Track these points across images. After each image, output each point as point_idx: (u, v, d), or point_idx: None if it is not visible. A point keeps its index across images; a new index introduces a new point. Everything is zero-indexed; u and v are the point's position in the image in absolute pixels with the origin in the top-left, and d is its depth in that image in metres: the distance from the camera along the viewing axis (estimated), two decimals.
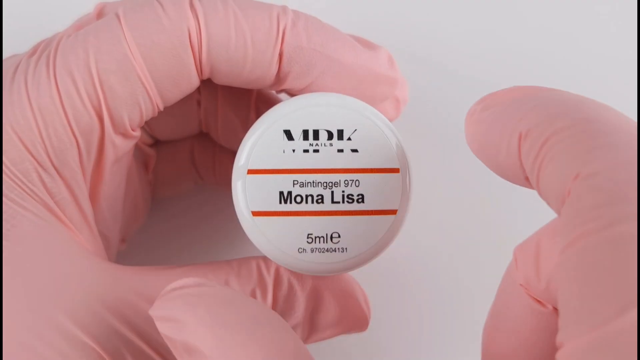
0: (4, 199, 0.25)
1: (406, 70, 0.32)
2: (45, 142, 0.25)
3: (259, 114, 0.28)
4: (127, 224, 0.31)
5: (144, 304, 0.25)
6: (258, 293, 0.26)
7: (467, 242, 0.33)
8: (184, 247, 0.34)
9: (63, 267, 0.25)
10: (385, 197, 0.26)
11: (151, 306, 0.24)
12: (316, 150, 0.26)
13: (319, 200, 0.26)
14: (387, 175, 0.26)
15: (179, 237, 0.34)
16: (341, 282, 0.28)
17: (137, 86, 0.25)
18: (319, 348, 0.33)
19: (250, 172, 0.26)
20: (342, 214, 0.26)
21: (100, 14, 0.28)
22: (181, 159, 0.33)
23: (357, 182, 0.26)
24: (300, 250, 0.26)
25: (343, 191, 0.26)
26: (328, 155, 0.26)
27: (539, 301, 0.22)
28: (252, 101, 0.30)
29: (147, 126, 0.31)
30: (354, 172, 0.26)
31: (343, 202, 0.26)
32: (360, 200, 0.26)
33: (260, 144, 0.26)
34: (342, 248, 0.26)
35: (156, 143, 0.32)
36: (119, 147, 0.26)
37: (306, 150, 0.26)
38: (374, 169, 0.26)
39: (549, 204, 0.20)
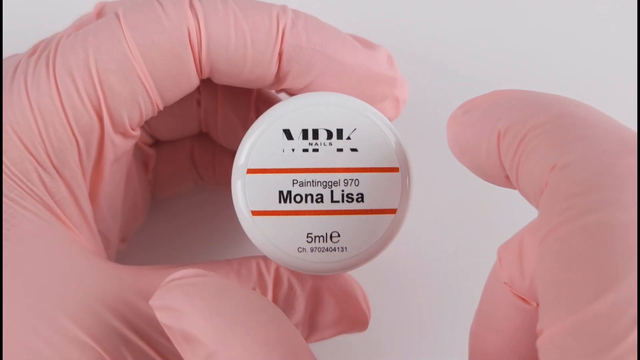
0: (4, 198, 0.25)
1: (406, 70, 0.32)
2: (45, 142, 0.25)
3: (258, 113, 0.28)
4: (126, 223, 0.31)
5: (143, 303, 0.25)
6: (258, 292, 0.26)
7: (466, 241, 0.33)
8: (184, 247, 0.34)
9: (63, 266, 0.25)
10: (384, 196, 0.26)
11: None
12: (316, 150, 0.26)
13: (319, 200, 0.26)
14: (386, 175, 0.26)
15: (179, 237, 0.34)
16: (341, 282, 0.28)
17: (136, 86, 0.25)
18: (319, 348, 0.33)
19: (249, 171, 0.26)
20: (341, 213, 0.26)
21: (99, 13, 0.28)
22: (181, 159, 0.33)
23: (356, 182, 0.26)
24: (300, 249, 0.26)
25: (342, 190, 0.26)
26: (327, 154, 0.26)
27: (523, 299, 0.22)
28: (252, 101, 0.30)
29: (147, 126, 0.31)
30: (354, 172, 0.26)
31: (343, 201, 0.26)
32: (359, 199, 0.26)
33: (259, 144, 0.26)
34: (342, 247, 0.26)
35: (156, 143, 0.32)
36: (119, 147, 0.26)
37: (306, 150, 0.26)
38: (374, 168, 0.26)
39: (528, 200, 0.20)
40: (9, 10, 0.34)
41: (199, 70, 0.26)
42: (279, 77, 0.27)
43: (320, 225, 0.26)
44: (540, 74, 0.34)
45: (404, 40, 0.34)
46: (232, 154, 0.29)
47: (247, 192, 0.26)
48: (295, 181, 0.26)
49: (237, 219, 0.26)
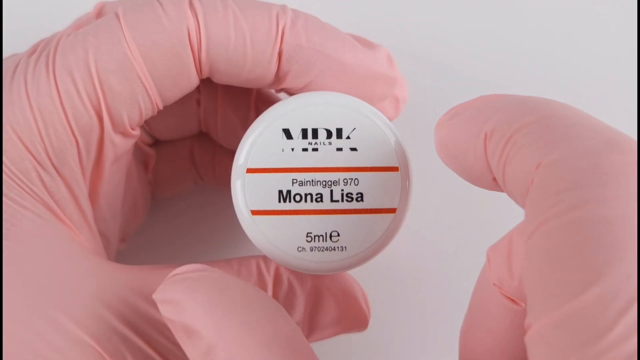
0: (3, 198, 0.25)
1: (406, 70, 0.32)
2: (45, 142, 0.25)
3: (258, 113, 0.28)
4: (126, 223, 0.31)
5: (143, 303, 0.25)
6: (259, 288, 0.26)
7: (466, 241, 0.33)
8: (184, 247, 0.34)
9: (63, 266, 0.25)
10: (384, 196, 0.26)
11: (151, 305, 0.24)
12: (315, 149, 0.26)
13: (318, 199, 0.26)
14: (386, 174, 0.26)
15: (179, 237, 0.34)
16: (341, 281, 0.28)
17: (136, 86, 0.25)
18: (319, 348, 0.33)
19: (249, 171, 0.26)
20: (341, 213, 0.26)
21: (99, 13, 0.28)
22: (181, 159, 0.33)
23: (356, 181, 0.26)
24: (299, 249, 0.26)
25: (342, 190, 0.26)
26: (327, 154, 0.26)
27: (512, 299, 0.22)
28: (252, 100, 0.30)
29: (147, 126, 0.31)
30: (353, 171, 0.26)
31: (342, 200, 0.26)
32: (359, 198, 0.26)
33: (259, 143, 0.26)
34: (342, 247, 0.26)
35: (156, 143, 0.32)
36: (119, 146, 0.26)
37: (305, 149, 0.26)
38: (373, 167, 0.26)
39: (515, 200, 0.20)
40: (9, 10, 0.34)
41: (199, 70, 0.26)
42: (278, 77, 0.27)
43: (320, 224, 0.26)
44: (540, 74, 0.34)
45: (404, 40, 0.34)
46: (232, 153, 0.29)
47: (246, 192, 0.26)
48: (294, 181, 0.26)
49: (236, 218, 0.26)
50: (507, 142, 0.20)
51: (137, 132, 0.27)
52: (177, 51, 0.25)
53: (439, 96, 0.34)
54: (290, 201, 0.26)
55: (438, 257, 0.33)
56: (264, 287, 0.26)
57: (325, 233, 0.26)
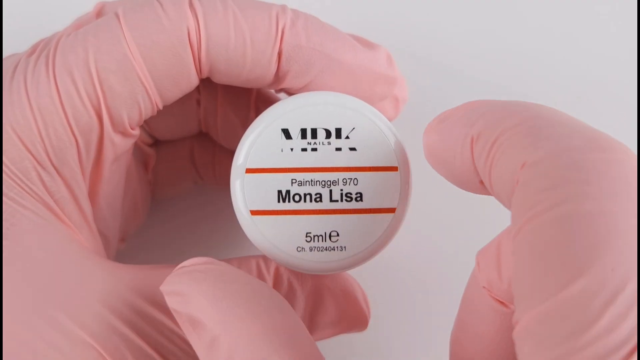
0: (3, 197, 0.25)
1: (406, 70, 0.32)
2: (45, 142, 0.25)
3: (258, 113, 0.28)
4: (126, 223, 0.31)
5: (144, 302, 0.25)
6: (264, 282, 0.26)
7: (466, 240, 0.33)
8: (184, 247, 0.34)
9: (62, 265, 0.25)
10: (383, 196, 0.26)
11: (151, 305, 0.25)
12: (314, 149, 0.26)
13: (318, 199, 0.26)
14: (385, 174, 0.26)
15: (178, 237, 0.34)
16: (341, 281, 0.28)
17: (136, 85, 0.25)
18: (319, 348, 0.33)
19: (248, 171, 0.26)
20: (340, 213, 0.26)
21: (99, 13, 0.28)
22: (181, 159, 0.33)
23: (355, 181, 0.26)
24: (299, 249, 0.26)
25: (341, 190, 0.26)
26: (326, 153, 0.26)
27: (501, 302, 0.23)
28: (252, 101, 0.30)
29: (147, 126, 0.31)
30: (353, 171, 0.26)
31: (341, 200, 0.26)
32: (358, 198, 0.26)
33: (258, 143, 0.26)
34: (341, 247, 0.26)
35: (156, 143, 0.32)
36: (118, 146, 0.26)
37: (304, 149, 0.26)
38: (373, 167, 0.26)
39: (502, 202, 0.21)
40: (9, 10, 0.34)
41: (199, 69, 0.26)
42: (278, 77, 0.27)
43: (319, 224, 0.26)
44: (540, 74, 0.34)
45: (404, 40, 0.34)
46: (232, 153, 0.29)
47: (246, 192, 0.26)
48: (294, 181, 0.26)
49: (236, 218, 0.26)
50: (493, 145, 0.20)
51: (136, 132, 0.27)
52: (177, 51, 0.25)
53: (439, 96, 0.34)
54: (289, 201, 0.26)
55: (438, 257, 0.33)
56: None
57: (325, 233, 0.26)
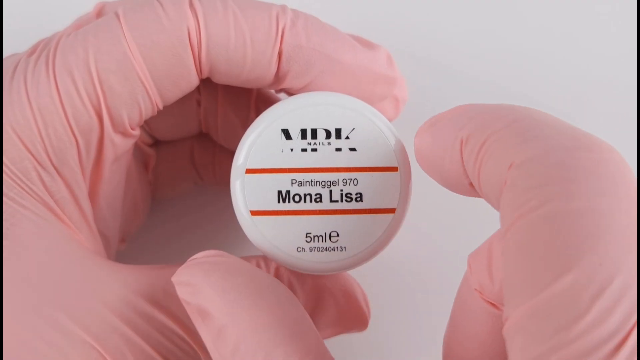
0: (3, 197, 0.25)
1: (406, 70, 0.32)
2: (45, 142, 0.25)
3: (258, 113, 0.28)
4: (126, 223, 0.31)
5: (144, 302, 0.25)
6: (273, 277, 0.26)
7: (465, 240, 0.33)
8: (184, 248, 0.34)
9: (63, 265, 0.25)
10: (383, 196, 0.26)
11: (151, 305, 0.25)
12: (314, 149, 0.26)
13: (318, 199, 0.26)
14: (385, 174, 0.26)
15: (178, 238, 0.34)
16: (341, 282, 0.28)
17: (136, 85, 0.25)
18: None
19: (248, 171, 0.26)
20: (340, 213, 0.26)
21: (99, 13, 0.28)
22: (181, 159, 0.33)
23: (355, 181, 0.26)
24: (299, 249, 0.26)
25: (341, 190, 0.26)
26: (326, 154, 0.26)
27: (493, 304, 0.23)
28: (252, 101, 0.30)
29: (147, 126, 0.31)
30: (353, 171, 0.26)
31: (341, 201, 0.26)
32: (358, 199, 0.26)
33: (258, 144, 0.26)
34: (341, 247, 0.26)
35: (156, 143, 0.32)
36: (119, 146, 0.26)
37: (304, 150, 0.26)
38: (373, 167, 0.26)
39: (491, 203, 0.21)
40: (9, 10, 0.34)
41: (199, 70, 0.26)
42: (278, 77, 0.27)
43: (319, 224, 0.26)
44: (540, 74, 0.34)
45: (404, 40, 0.34)
46: (232, 154, 0.29)
47: (246, 192, 0.26)
48: (294, 181, 0.26)
49: (236, 219, 0.26)
50: (481, 147, 0.21)
51: (137, 132, 0.27)
52: (177, 51, 0.25)
53: (439, 96, 0.34)
54: (289, 201, 0.26)
55: (438, 257, 0.33)
56: None
57: (325, 233, 0.26)
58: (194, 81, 0.26)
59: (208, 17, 0.25)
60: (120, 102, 0.25)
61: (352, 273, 0.28)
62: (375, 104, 0.28)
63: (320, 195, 0.26)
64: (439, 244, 0.33)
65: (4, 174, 0.25)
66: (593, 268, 0.17)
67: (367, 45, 0.28)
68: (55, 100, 0.25)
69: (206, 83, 0.30)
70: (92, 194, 0.27)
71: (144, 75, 0.25)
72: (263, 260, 0.27)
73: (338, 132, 0.26)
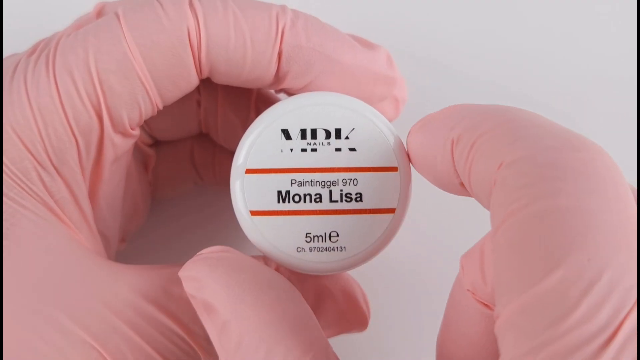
0: (3, 197, 0.25)
1: (406, 70, 0.32)
2: (45, 142, 0.25)
3: (258, 113, 0.28)
4: (126, 223, 0.31)
5: (144, 302, 0.25)
6: (278, 273, 0.26)
7: (465, 240, 0.33)
8: (184, 248, 0.34)
9: (63, 265, 0.25)
10: (383, 196, 0.26)
11: (151, 305, 0.25)
12: (314, 150, 0.26)
13: (317, 200, 0.26)
14: (385, 174, 0.26)
15: (178, 238, 0.34)
16: (340, 282, 0.28)
17: (136, 86, 0.25)
18: None
19: (248, 171, 0.26)
20: (340, 213, 0.26)
21: (99, 13, 0.28)
22: (181, 159, 0.33)
23: (355, 181, 0.26)
24: (299, 249, 0.26)
25: (341, 190, 0.26)
26: (326, 154, 0.26)
27: (485, 304, 0.23)
28: (252, 101, 0.30)
29: (147, 126, 0.31)
30: (352, 171, 0.26)
31: (341, 201, 0.26)
32: (358, 199, 0.26)
33: (258, 144, 0.26)
34: (341, 247, 0.26)
35: (156, 143, 0.32)
36: (118, 146, 0.26)
37: (304, 150, 0.26)
38: (372, 167, 0.26)
39: (481, 202, 0.21)
40: (9, 10, 0.34)
41: (199, 70, 0.26)
42: (278, 77, 0.27)
43: (319, 225, 0.26)
44: (540, 74, 0.34)
45: (404, 40, 0.34)
46: (232, 154, 0.29)
47: (245, 192, 0.26)
48: (293, 181, 0.26)
49: (236, 219, 0.26)
50: (472, 147, 0.21)
51: (137, 132, 0.27)
52: (177, 51, 0.25)
53: (439, 96, 0.34)
54: (289, 202, 0.26)
55: (438, 257, 0.33)
56: None
57: (325, 233, 0.26)
58: (194, 81, 0.26)
59: (208, 17, 0.25)
60: (120, 102, 0.25)
61: (352, 273, 0.28)
62: (375, 104, 0.28)
63: (320, 195, 0.26)
64: (439, 244, 0.33)
65: (4, 174, 0.25)
66: (582, 264, 0.17)
67: (367, 45, 0.28)
68: (55, 100, 0.25)
69: (206, 83, 0.30)
70: (92, 194, 0.27)
71: (144, 76, 0.25)
72: (263, 260, 0.27)
73: (338, 132, 0.26)
